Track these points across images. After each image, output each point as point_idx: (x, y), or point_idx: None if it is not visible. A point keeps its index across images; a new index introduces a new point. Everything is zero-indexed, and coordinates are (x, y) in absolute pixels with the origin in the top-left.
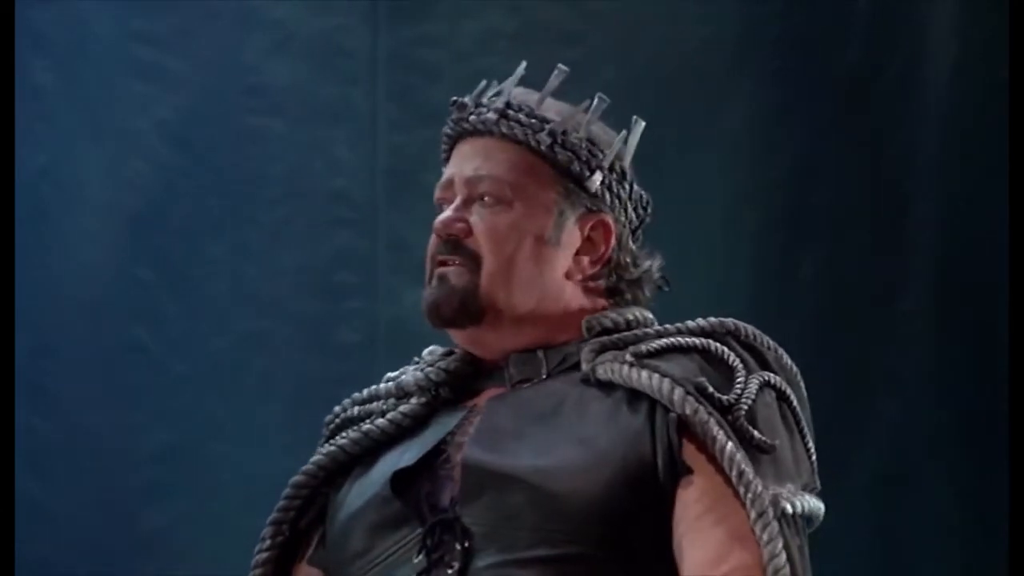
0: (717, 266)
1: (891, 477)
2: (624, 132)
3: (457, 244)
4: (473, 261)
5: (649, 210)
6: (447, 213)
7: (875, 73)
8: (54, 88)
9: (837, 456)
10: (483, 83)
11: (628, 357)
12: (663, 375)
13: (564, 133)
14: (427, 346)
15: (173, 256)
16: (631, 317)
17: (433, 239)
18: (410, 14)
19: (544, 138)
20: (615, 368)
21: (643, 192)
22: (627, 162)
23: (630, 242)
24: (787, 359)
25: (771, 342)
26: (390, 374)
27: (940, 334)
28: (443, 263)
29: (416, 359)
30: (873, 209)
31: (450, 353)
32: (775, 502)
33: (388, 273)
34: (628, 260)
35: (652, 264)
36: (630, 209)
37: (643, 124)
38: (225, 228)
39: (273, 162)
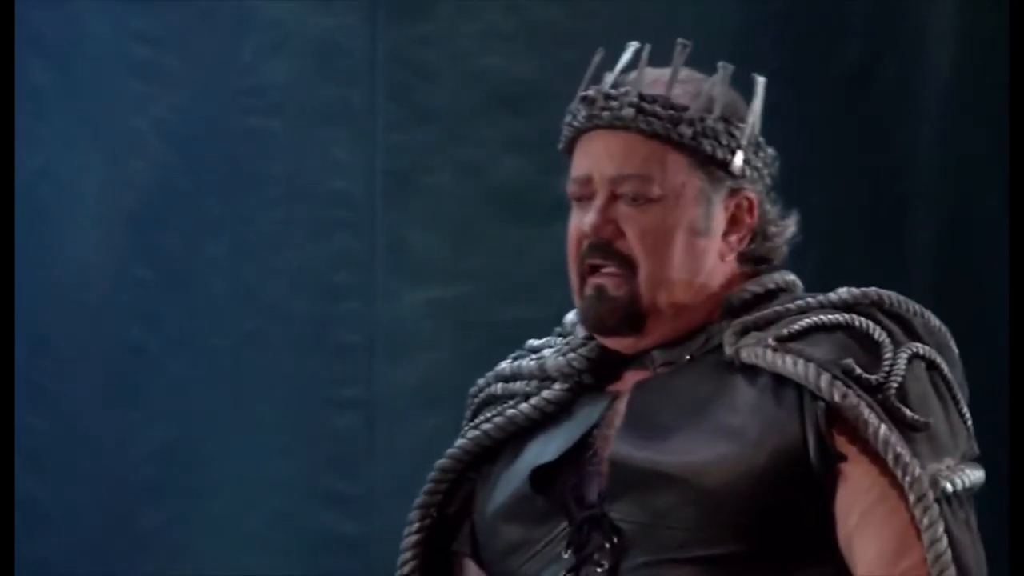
0: None
1: None
2: (756, 103)
3: (608, 247)
4: (628, 266)
5: (777, 166)
6: (593, 215)
7: (874, 73)
8: (52, 88)
9: None
10: (597, 57)
11: (771, 341)
12: (808, 360)
13: (702, 120)
14: (425, 346)
15: (172, 256)
16: (772, 285)
17: (575, 239)
18: (409, 14)
19: (685, 130)
20: (759, 352)
21: (771, 151)
22: (758, 129)
23: (768, 206)
24: (935, 322)
25: (917, 307)
26: (534, 343)
27: None
28: (594, 269)
29: (558, 328)
30: (872, 209)
31: (592, 337)
32: (934, 483)
33: (387, 273)
34: (772, 228)
35: (791, 222)
36: (766, 175)
37: (763, 81)
38: (224, 228)
39: (271, 162)
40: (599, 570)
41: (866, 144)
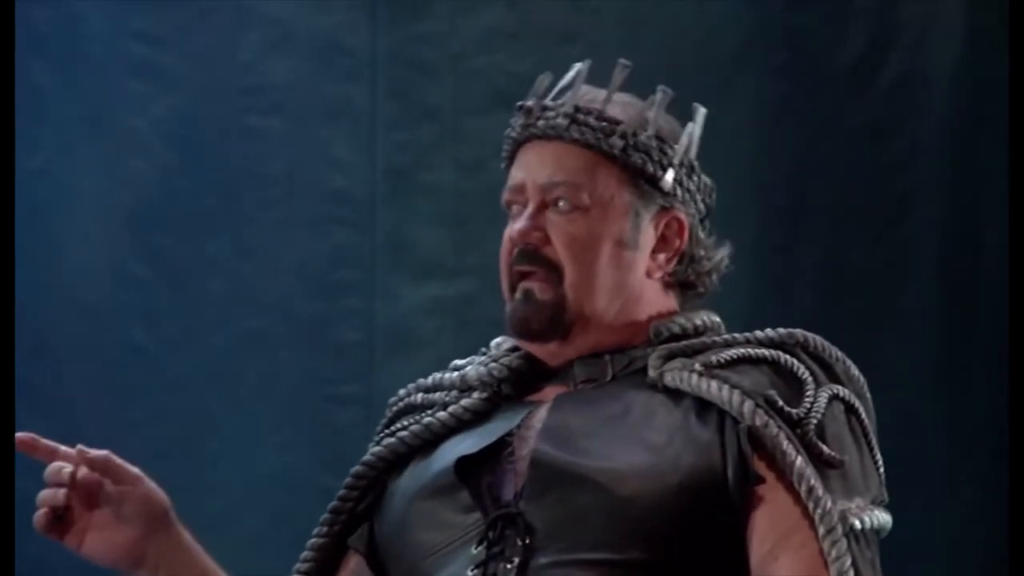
0: None
1: (891, 476)
2: (691, 124)
3: (535, 254)
4: (554, 272)
5: (714, 196)
6: (522, 222)
7: (876, 70)
8: (52, 88)
9: None
10: (542, 79)
11: (697, 367)
12: (733, 386)
13: (635, 134)
14: (425, 344)
15: (171, 255)
16: (699, 322)
17: (507, 246)
18: (409, 12)
19: (616, 142)
20: (684, 377)
21: (707, 180)
22: (693, 153)
23: (700, 232)
24: (855, 371)
25: (839, 353)
26: (457, 362)
27: (941, 332)
28: (524, 275)
29: (484, 349)
30: (874, 207)
31: (515, 349)
32: (844, 518)
33: (387, 272)
34: (701, 252)
35: (722, 253)
36: (699, 200)
37: (704, 111)
38: (223, 227)
39: (272, 161)
40: (508, 566)
41: (868, 141)
